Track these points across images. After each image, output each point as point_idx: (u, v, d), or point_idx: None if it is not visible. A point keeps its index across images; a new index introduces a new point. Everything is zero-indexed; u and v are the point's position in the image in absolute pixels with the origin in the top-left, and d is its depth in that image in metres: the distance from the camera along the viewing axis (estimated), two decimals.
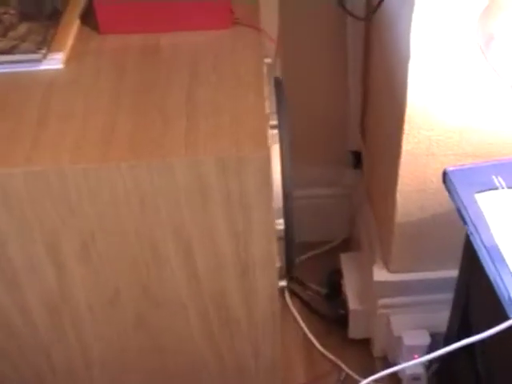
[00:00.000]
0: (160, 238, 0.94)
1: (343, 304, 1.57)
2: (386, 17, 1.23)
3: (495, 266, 1.03)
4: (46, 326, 1.04)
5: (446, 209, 1.28)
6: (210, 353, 1.09)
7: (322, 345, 1.59)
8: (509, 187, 1.13)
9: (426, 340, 1.40)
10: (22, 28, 1.02)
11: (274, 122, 1.03)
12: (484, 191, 1.14)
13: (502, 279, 1.01)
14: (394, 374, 1.43)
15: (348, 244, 1.77)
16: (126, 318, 1.04)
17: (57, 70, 1.01)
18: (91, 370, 1.11)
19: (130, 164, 0.87)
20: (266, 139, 0.88)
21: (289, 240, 1.08)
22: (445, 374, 1.40)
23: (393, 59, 1.24)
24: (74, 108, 0.95)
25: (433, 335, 1.42)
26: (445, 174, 1.18)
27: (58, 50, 1.01)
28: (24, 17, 1.04)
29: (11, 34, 1.01)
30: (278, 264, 1.08)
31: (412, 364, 1.40)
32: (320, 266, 1.73)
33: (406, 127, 1.22)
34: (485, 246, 1.06)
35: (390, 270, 1.43)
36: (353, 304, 1.53)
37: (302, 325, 1.63)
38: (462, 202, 1.13)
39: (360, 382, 1.52)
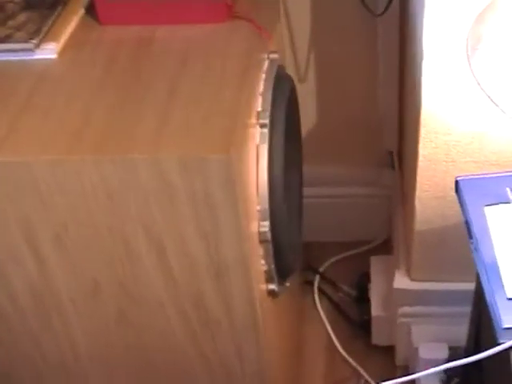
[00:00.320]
0: (131, 234, 0.93)
1: (369, 309, 1.52)
2: (407, 15, 1.17)
3: (491, 287, 0.96)
4: (33, 313, 1.05)
5: None
6: (195, 352, 1.08)
7: (344, 349, 1.54)
8: None
9: (443, 353, 1.34)
10: (22, 17, 1.03)
11: (264, 121, 1.00)
12: (495, 204, 1.06)
13: (495, 302, 0.95)
14: None
15: (386, 246, 1.71)
16: (108, 313, 1.03)
17: (50, 59, 1.02)
18: (80, 362, 1.12)
19: (94, 158, 0.86)
20: (232, 140, 0.85)
21: (276, 242, 1.05)
22: None
23: (412, 59, 1.18)
24: (56, 99, 0.95)
25: (454, 348, 1.35)
26: (456, 183, 1.11)
27: (53, 40, 1.01)
28: (27, 6, 1.06)
29: (10, 22, 1.03)
30: (264, 267, 1.05)
31: (424, 374, 1.36)
32: (355, 267, 1.68)
33: (422, 131, 1.16)
34: (484, 265, 0.99)
35: (411, 278, 1.37)
36: (375, 310, 1.48)
37: (327, 326, 1.59)
38: (469, 215, 1.06)
39: None
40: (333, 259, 1.72)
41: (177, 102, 0.92)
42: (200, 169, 0.85)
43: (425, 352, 1.35)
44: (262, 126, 1.00)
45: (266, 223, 1.01)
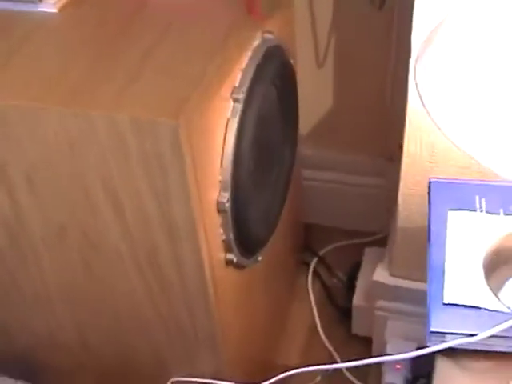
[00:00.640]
0: (91, 186, 0.98)
1: None
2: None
3: (431, 290, 0.97)
4: (7, 248, 1.12)
5: None
6: (153, 312, 1.13)
7: (325, 332, 1.57)
8: (488, 212, 1.05)
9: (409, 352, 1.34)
10: None
11: (237, 96, 1.03)
12: (460, 210, 1.07)
13: (430, 305, 0.96)
14: None
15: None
16: (74, 261, 1.10)
17: (51, 13, 1.08)
18: (53, 305, 1.19)
19: (58, 110, 0.92)
20: (185, 107, 0.89)
21: (238, 215, 1.08)
22: None
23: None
24: (42, 51, 1.01)
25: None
26: (429, 184, 1.12)
27: None
28: None
29: None
30: (222, 236, 1.09)
31: (387, 369, 1.37)
32: (354, 256, 1.69)
33: (408, 128, 1.16)
34: (430, 267, 1.00)
35: (390, 273, 1.38)
36: (357, 299, 1.50)
37: (314, 308, 1.62)
38: (430, 217, 1.06)
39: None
40: (335, 245, 1.74)
41: (147, 66, 0.97)
42: (151, 131, 0.89)
43: (392, 348, 1.36)
44: (235, 100, 1.03)
45: (226, 194, 1.04)
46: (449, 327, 0.93)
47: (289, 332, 1.58)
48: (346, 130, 1.64)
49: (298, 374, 1.01)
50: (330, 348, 1.54)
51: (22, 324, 1.25)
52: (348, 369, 1.48)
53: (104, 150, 0.94)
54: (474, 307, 0.93)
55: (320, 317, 1.60)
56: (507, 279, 0.99)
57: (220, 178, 1.04)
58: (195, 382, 1.21)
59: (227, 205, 1.05)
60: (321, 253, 1.73)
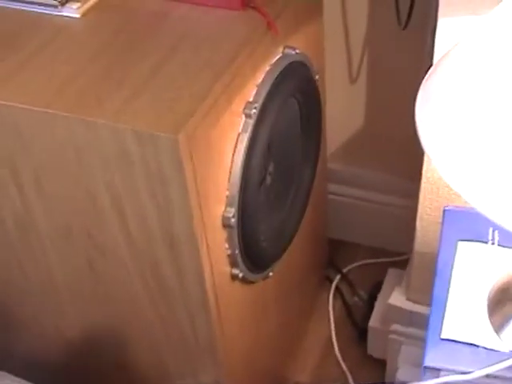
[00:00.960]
0: (96, 191, 0.99)
1: None
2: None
3: (431, 323, 0.95)
4: (17, 239, 1.14)
5: None
6: (154, 314, 1.14)
7: (341, 351, 1.55)
8: (500, 245, 1.02)
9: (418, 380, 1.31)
10: None
11: (249, 111, 1.02)
12: (470, 241, 1.04)
13: (428, 339, 0.94)
14: None
15: None
16: (80, 261, 1.11)
17: (73, 18, 1.09)
18: (60, 295, 1.21)
19: (65, 116, 0.93)
20: (187, 122, 0.89)
21: (244, 230, 1.08)
22: None
23: None
24: (58, 57, 1.02)
25: None
26: (444, 212, 1.09)
27: (77, 1, 1.09)
28: None
29: None
30: (228, 251, 1.09)
31: None
32: (379, 275, 1.66)
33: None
34: (434, 300, 0.98)
35: (407, 297, 1.35)
36: (373, 321, 1.47)
37: (332, 325, 1.60)
38: (440, 246, 1.04)
39: None
40: (359, 262, 1.72)
41: (157, 77, 0.97)
42: (152, 144, 0.89)
43: (403, 374, 1.33)
44: (247, 115, 1.03)
45: (232, 209, 1.04)
46: (444, 363, 0.91)
47: (304, 347, 1.56)
48: (377, 148, 1.61)
49: None
50: (344, 367, 1.52)
51: (28, 316, 1.27)
52: None
53: (108, 158, 0.94)
54: (471, 344, 0.91)
55: (337, 335, 1.58)
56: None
57: (227, 193, 1.03)
58: None
59: (233, 220, 1.04)
60: (344, 270, 1.70)
